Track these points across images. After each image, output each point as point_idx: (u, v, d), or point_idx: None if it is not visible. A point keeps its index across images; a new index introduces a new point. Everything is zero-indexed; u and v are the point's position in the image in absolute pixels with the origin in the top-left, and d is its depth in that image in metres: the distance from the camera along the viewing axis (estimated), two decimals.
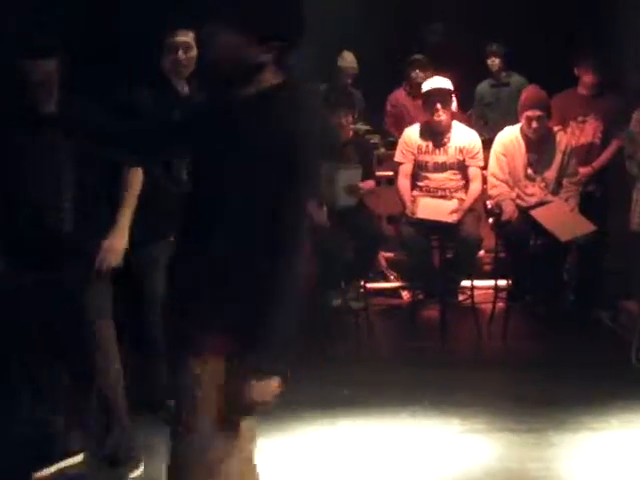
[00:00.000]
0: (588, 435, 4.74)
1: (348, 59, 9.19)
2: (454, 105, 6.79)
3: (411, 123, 7.15)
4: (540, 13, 9.01)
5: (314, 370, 5.47)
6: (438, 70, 7.52)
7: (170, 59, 4.78)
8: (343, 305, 6.94)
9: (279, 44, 2.67)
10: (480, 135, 7.04)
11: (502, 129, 6.87)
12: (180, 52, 4.74)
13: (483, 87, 9.06)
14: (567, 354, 6.05)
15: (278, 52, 2.69)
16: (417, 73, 8.35)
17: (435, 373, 5.64)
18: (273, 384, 2.65)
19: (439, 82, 6.79)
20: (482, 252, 7.27)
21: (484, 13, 9.46)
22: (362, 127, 8.43)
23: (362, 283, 6.91)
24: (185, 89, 4.83)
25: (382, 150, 8.20)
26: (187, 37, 4.74)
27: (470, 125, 7.37)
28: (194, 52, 4.75)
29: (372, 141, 8.20)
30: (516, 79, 8.78)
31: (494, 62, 8.89)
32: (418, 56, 8.66)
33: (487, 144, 6.90)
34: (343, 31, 9.17)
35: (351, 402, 5.15)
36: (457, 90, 7.07)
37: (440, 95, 6.65)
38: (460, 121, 7.08)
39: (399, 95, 8.60)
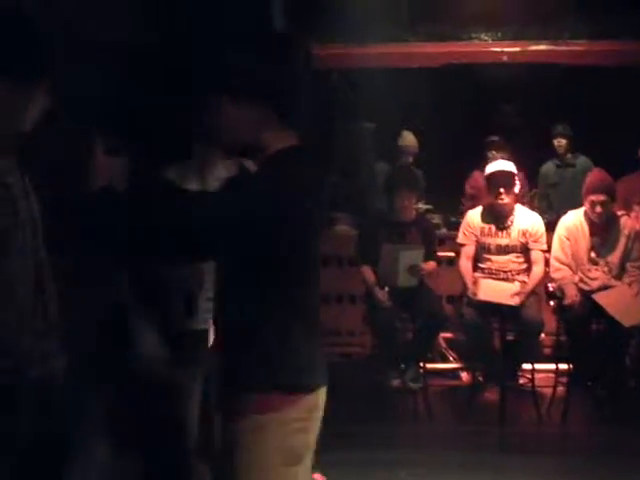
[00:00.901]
0: None
1: (408, 138, 9.29)
2: (517, 187, 6.79)
3: None
4: (604, 95, 9.06)
5: (372, 452, 5.47)
6: (513, 151, 7.57)
7: None
8: (402, 385, 6.91)
9: (270, 105, 2.69)
10: (543, 217, 7.04)
11: (565, 210, 6.88)
12: None
13: (548, 167, 9.08)
14: (628, 442, 5.95)
15: (276, 114, 2.71)
16: (494, 154, 8.34)
17: (493, 457, 5.58)
18: None
19: (502, 165, 6.82)
20: (543, 335, 7.22)
21: (553, 94, 9.55)
22: (423, 206, 8.48)
23: (421, 364, 6.89)
24: None
25: (444, 230, 8.22)
26: None
27: (533, 205, 7.38)
28: None
29: (433, 221, 8.24)
30: (582, 160, 8.79)
31: (560, 143, 8.91)
32: (494, 137, 8.70)
33: (550, 225, 6.90)
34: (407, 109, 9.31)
35: None
36: (525, 169, 7.09)
37: (503, 178, 6.67)
38: (523, 199, 7.10)
39: (478, 176, 8.60)
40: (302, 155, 2.81)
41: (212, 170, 3.49)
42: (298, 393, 2.72)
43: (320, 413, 2.82)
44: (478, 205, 7.04)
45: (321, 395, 2.81)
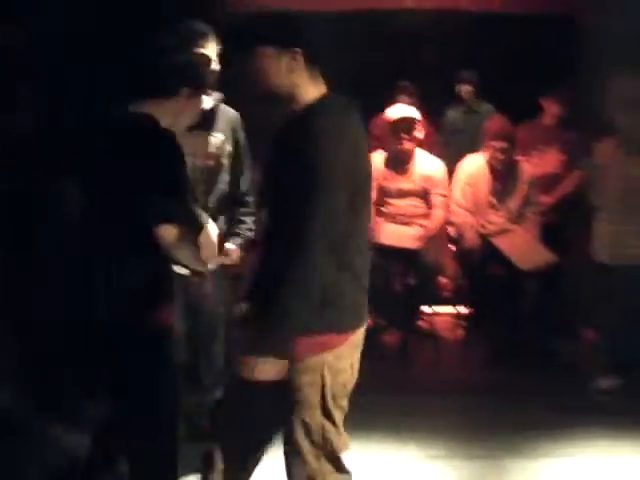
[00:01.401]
0: (546, 462, 4.77)
1: None
2: (421, 133, 6.79)
3: None
4: (510, 43, 9.10)
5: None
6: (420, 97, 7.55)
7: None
8: None
9: (302, 52, 3.00)
10: (448, 162, 7.09)
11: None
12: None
13: (453, 114, 9.07)
14: (525, 382, 6.07)
15: (304, 62, 3.02)
16: (403, 99, 8.28)
17: (393, 399, 5.62)
18: (272, 364, 3.01)
19: (405, 110, 6.81)
20: (444, 279, 7.31)
21: (459, 41, 9.57)
22: None
23: None
24: None
25: None
26: None
27: (436, 151, 7.40)
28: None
29: None
30: (486, 107, 8.81)
31: (467, 89, 8.92)
32: (405, 82, 8.66)
33: (451, 172, 6.95)
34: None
35: None
36: (428, 114, 7.10)
37: (405, 123, 6.68)
38: (434, 145, 7.13)
39: (381, 121, 8.54)
40: (344, 103, 3.07)
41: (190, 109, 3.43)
42: (348, 332, 3.07)
43: (360, 350, 3.18)
44: (382, 148, 7.03)
45: (362, 334, 3.17)
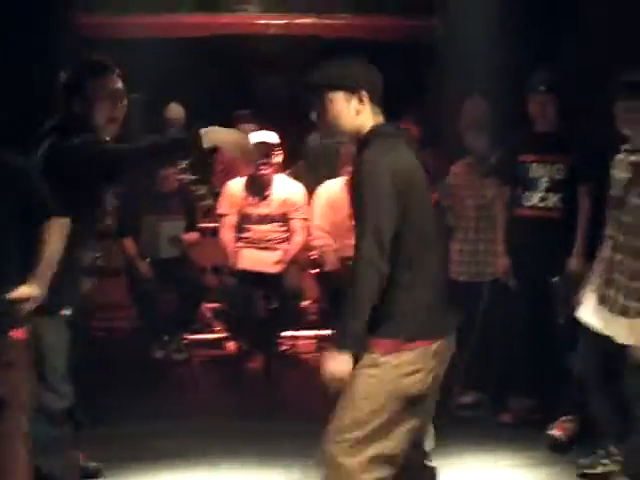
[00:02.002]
0: None
1: (175, 110, 9.21)
2: (279, 158, 6.84)
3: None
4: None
5: (137, 424, 5.43)
6: (265, 124, 7.62)
7: None
8: (166, 357, 6.88)
9: (369, 93, 3.40)
10: (308, 187, 7.16)
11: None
12: None
13: (315, 139, 9.16)
14: None
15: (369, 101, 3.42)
16: (243, 127, 8.35)
17: (257, 425, 5.62)
18: (344, 360, 3.27)
19: (264, 136, 6.85)
20: (307, 302, 7.36)
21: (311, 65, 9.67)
22: (188, 177, 8.43)
23: (185, 335, 6.89)
24: None
25: (209, 201, 8.19)
26: None
27: (299, 177, 7.46)
28: None
29: (199, 192, 8.21)
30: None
31: None
32: (244, 111, 8.73)
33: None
34: (173, 83, 9.22)
35: (174, 455, 5.09)
36: (285, 143, 7.17)
37: (264, 149, 6.71)
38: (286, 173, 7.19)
39: None
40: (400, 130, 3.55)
41: None
42: (412, 341, 3.31)
43: (439, 361, 3.40)
44: (230, 175, 7.08)
45: (440, 345, 3.39)
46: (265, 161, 6.68)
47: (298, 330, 6.93)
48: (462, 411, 5.93)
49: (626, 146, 4.57)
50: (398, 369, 3.33)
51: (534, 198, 5.57)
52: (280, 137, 6.96)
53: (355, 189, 3.35)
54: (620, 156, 4.59)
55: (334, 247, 6.75)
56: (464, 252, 6.11)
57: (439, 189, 6.67)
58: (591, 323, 4.54)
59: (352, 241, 6.45)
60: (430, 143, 7.38)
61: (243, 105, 8.97)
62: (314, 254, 6.85)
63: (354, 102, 3.40)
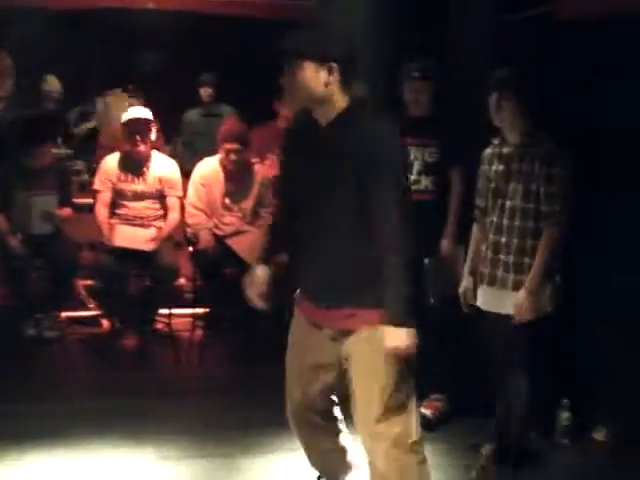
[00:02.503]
0: (283, 457, 4.87)
1: (52, 82, 9.06)
2: (153, 134, 6.79)
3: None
4: (248, 44, 9.27)
5: (10, 405, 5.37)
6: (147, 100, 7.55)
7: None
8: (38, 334, 6.79)
9: (340, 66, 3.39)
10: (188, 164, 7.12)
11: None
12: None
13: (192, 116, 9.12)
14: (262, 379, 6.20)
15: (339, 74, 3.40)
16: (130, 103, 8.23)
17: (131, 402, 5.62)
18: (404, 332, 3.32)
19: (138, 112, 6.81)
20: (182, 280, 7.34)
21: (199, 43, 9.63)
22: (63, 152, 8.30)
23: (58, 312, 6.81)
24: None
25: (85, 176, 8.07)
26: None
27: (176, 154, 7.42)
28: None
29: (75, 167, 8.10)
30: (226, 110, 8.90)
31: (206, 92, 8.99)
32: (129, 86, 8.62)
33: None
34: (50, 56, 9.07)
35: (41, 435, 5.04)
36: (162, 118, 7.12)
37: (139, 125, 6.67)
38: (162, 150, 7.15)
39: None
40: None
41: None
42: None
43: None
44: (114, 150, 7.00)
45: None
46: (140, 137, 6.64)
47: (173, 308, 6.90)
48: None
49: (495, 140, 4.81)
50: None
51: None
52: (157, 113, 6.92)
53: (377, 159, 3.35)
54: (488, 150, 4.86)
55: (209, 225, 6.76)
56: None
57: None
58: (485, 306, 4.80)
59: (227, 219, 6.67)
60: None
61: (120, 79, 8.86)
62: (189, 232, 6.84)
63: (322, 73, 3.38)
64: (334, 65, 3.37)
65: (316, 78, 3.38)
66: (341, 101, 3.44)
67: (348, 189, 3.38)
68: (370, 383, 3.49)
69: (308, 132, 3.56)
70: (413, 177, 5.51)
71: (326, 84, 3.38)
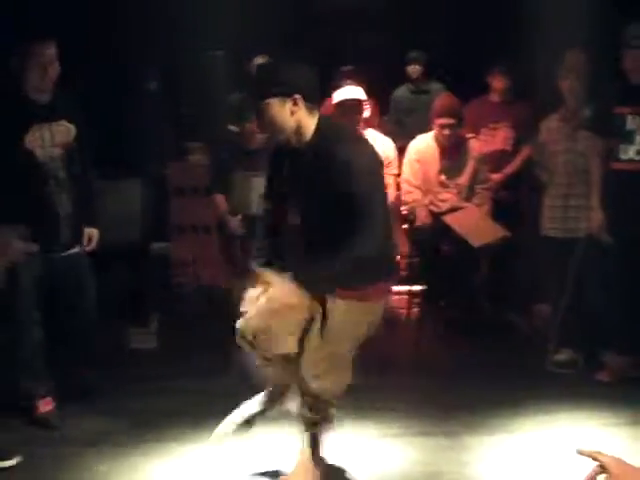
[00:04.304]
0: (502, 437, 4.82)
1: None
2: (367, 113, 6.78)
3: None
4: (457, 21, 9.16)
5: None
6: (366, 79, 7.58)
7: None
8: None
9: (303, 94, 3.75)
10: (396, 141, 7.09)
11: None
12: None
13: (402, 93, 9.08)
14: (481, 358, 6.13)
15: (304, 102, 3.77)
16: (348, 83, 8.24)
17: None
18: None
19: (351, 92, 6.79)
20: (397, 258, 7.32)
21: (406, 21, 9.58)
22: None
23: None
24: None
25: None
26: None
27: (386, 130, 7.39)
28: None
29: None
30: (435, 86, 8.81)
31: (415, 69, 8.92)
32: (348, 67, 8.64)
33: (403, 150, 6.96)
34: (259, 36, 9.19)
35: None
36: (375, 96, 7.11)
37: (352, 105, 6.66)
38: (377, 126, 7.14)
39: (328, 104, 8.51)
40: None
41: None
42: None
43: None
44: None
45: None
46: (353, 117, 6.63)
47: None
48: (557, 369, 5.89)
49: None
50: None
51: (630, 151, 5.47)
52: (371, 92, 6.92)
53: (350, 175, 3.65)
54: None
55: (424, 202, 6.72)
56: (555, 208, 6.04)
57: (532, 144, 6.59)
58: None
59: (442, 196, 6.61)
60: (522, 95, 7.30)
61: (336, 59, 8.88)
62: (405, 209, 6.81)
63: (288, 105, 3.75)
64: (297, 96, 3.74)
65: (283, 111, 3.75)
66: (310, 124, 3.81)
67: (328, 201, 3.74)
68: None
69: (290, 152, 3.92)
70: (637, 147, 5.30)
71: (292, 113, 3.75)
